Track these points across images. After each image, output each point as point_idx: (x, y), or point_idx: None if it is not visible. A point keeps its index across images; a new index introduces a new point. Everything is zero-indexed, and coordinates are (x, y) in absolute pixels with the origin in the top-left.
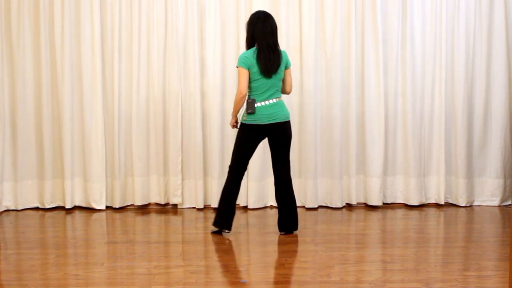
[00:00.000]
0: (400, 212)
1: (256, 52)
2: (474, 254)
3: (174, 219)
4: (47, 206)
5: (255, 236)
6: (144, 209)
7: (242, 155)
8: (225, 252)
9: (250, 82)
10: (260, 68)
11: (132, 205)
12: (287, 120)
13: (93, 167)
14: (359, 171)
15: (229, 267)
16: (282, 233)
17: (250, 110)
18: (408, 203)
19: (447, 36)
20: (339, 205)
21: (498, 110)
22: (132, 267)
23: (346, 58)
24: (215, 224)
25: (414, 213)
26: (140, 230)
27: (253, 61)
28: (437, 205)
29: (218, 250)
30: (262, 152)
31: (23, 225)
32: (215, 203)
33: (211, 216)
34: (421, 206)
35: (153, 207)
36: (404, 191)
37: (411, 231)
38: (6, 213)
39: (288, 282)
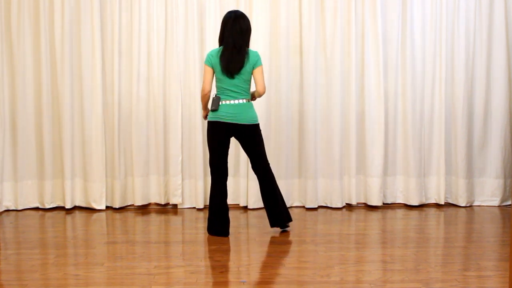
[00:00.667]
0: (400, 212)
1: (220, 51)
2: (474, 254)
3: (174, 219)
4: (47, 206)
5: (255, 236)
6: (144, 209)
7: (214, 154)
8: (225, 252)
9: (216, 81)
10: (221, 68)
11: (132, 205)
12: (253, 123)
13: (93, 167)
14: (359, 171)
15: (229, 267)
16: (276, 228)
17: (213, 107)
18: (408, 203)
19: (447, 36)
20: (339, 205)
21: (498, 110)
22: (132, 267)
23: (346, 58)
24: (208, 230)
25: (414, 213)
26: (140, 230)
27: (217, 60)
28: (437, 205)
29: (218, 250)
30: None
31: (23, 225)
32: None
33: None
34: (421, 206)
35: (153, 207)
36: (404, 191)
37: (411, 231)
38: (6, 213)
39: (288, 282)
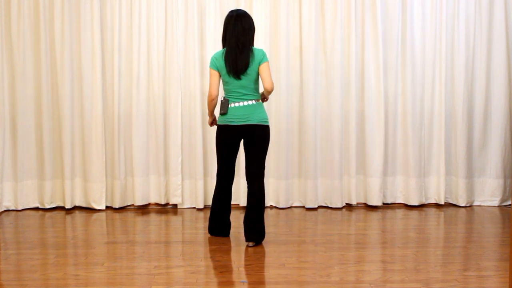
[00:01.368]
0: (400, 212)
1: (224, 53)
2: (474, 254)
3: (174, 219)
4: (47, 206)
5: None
6: (144, 209)
7: (222, 158)
8: (225, 252)
9: (223, 84)
10: (227, 69)
11: (132, 205)
12: (263, 124)
13: (93, 167)
14: (359, 171)
15: (229, 267)
16: (250, 244)
17: (223, 111)
18: (408, 203)
19: (447, 36)
20: (339, 205)
21: (498, 110)
22: (132, 267)
23: (346, 58)
24: (209, 231)
25: (414, 213)
26: (140, 230)
27: (222, 62)
28: (437, 205)
29: (218, 250)
30: None
31: (23, 225)
32: None
33: None
34: (421, 206)
35: (153, 207)
36: (404, 191)
37: (411, 231)
38: (6, 213)
39: (288, 282)
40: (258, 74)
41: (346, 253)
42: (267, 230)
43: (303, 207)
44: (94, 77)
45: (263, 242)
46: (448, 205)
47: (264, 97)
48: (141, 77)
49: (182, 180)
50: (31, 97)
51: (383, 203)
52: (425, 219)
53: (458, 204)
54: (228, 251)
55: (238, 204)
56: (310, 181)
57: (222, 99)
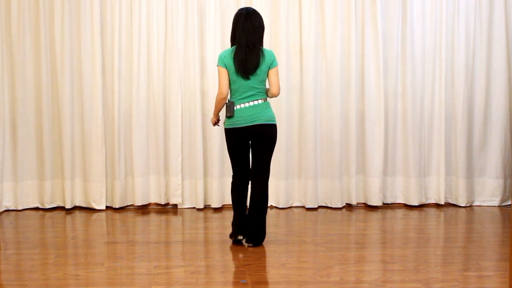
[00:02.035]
0: (400, 212)
1: (233, 51)
2: (474, 254)
3: (174, 219)
4: (47, 206)
5: None
6: (144, 209)
7: (236, 159)
8: (225, 252)
9: (230, 83)
10: (235, 68)
11: (132, 205)
12: (270, 123)
13: (93, 167)
14: (359, 171)
15: (229, 267)
16: (249, 245)
17: (229, 113)
18: (408, 203)
19: (447, 36)
20: (339, 205)
21: (498, 110)
22: (132, 267)
23: (346, 58)
24: (231, 237)
25: (414, 213)
26: (140, 230)
27: (230, 61)
28: (437, 205)
29: (218, 250)
30: None
31: (23, 225)
32: (215, 203)
33: (211, 216)
34: (421, 206)
35: (153, 207)
36: (404, 191)
37: (411, 231)
38: (6, 213)
39: (288, 282)
40: (266, 75)
41: (346, 253)
42: (267, 230)
43: (303, 207)
44: (94, 77)
45: (263, 242)
46: (448, 205)
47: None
48: (141, 77)
49: (182, 180)
50: (31, 97)
51: (383, 203)
52: (425, 219)
53: (458, 204)
54: (228, 251)
55: None
56: (310, 181)
57: (227, 101)
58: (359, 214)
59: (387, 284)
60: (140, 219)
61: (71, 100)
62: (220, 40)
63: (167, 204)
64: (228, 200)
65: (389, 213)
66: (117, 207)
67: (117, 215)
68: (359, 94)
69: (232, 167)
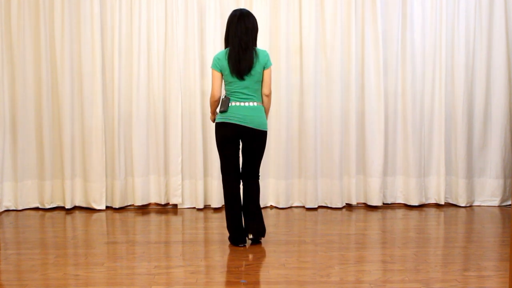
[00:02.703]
0: (400, 212)
1: (227, 53)
2: (474, 254)
3: (174, 219)
4: (47, 206)
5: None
6: (144, 209)
7: (225, 157)
8: (225, 252)
9: (225, 84)
10: (230, 69)
11: (132, 205)
12: (262, 129)
13: (93, 167)
14: (359, 171)
15: (229, 267)
16: (250, 236)
17: (223, 108)
18: (408, 203)
19: (447, 36)
20: (339, 205)
21: (498, 110)
22: (132, 267)
23: (346, 58)
24: (230, 239)
25: (414, 213)
26: (140, 230)
27: (224, 62)
28: (437, 205)
29: (218, 250)
30: None
31: (23, 225)
32: (215, 203)
33: (211, 216)
34: (421, 206)
35: (153, 207)
36: (404, 191)
37: (411, 231)
38: (6, 213)
39: (288, 282)
40: (261, 76)
41: (346, 253)
42: (267, 230)
43: (303, 207)
44: (94, 77)
45: (263, 242)
46: (448, 205)
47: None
48: (141, 77)
49: (182, 180)
50: (31, 97)
51: (383, 203)
52: (425, 219)
53: (458, 204)
54: (228, 251)
55: None
56: (310, 181)
57: (223, 97)
58: (359, 214)
59: (387, 284)
60: (140, 219)
61: (71, 100)
62: (220, 40)
63: (167, 204)
64: None
65: (389, 213)
66: (117, 207)
67: (117, 215)
68: (359, 94)
69: (221, 165)
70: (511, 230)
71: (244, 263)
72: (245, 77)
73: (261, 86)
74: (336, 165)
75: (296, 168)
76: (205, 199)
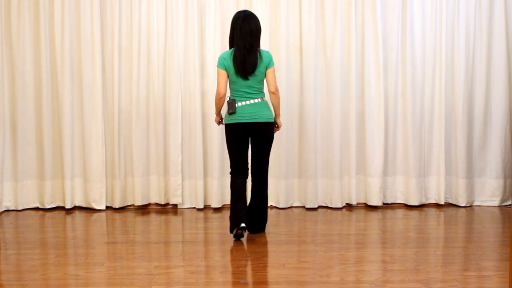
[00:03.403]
0: (400, 212)
1: (232, 53)
2: (474, 255)
3: (174, 219)
4: (47, 206)
5: (255, 236)
6: (144, 209)
7: (234, 156)
8: (225, 252)
9: (230, 83)
10: (235, 69)
11: (132, 205)
12: (269, 121)
13: (93, 167)
14: (359, 171)
15: (229, 267)
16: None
17: (231, 110)
18: (408, 203)
19: (447, 36)
20: (339, 205)
21: (498, 110)
22: (132, 267)
23: (346, 58)
24: (230, 228)
25: (414, 213)
26: (140, 230)
27: (230, 62)
28: (437, 205)
29: (218, 250)
30: None
31: (23, 225)
32: (215, 203)
33: (211, 216)
34: (421, 206)
35: (153, 207)
36: (404, 191)
37: (411, 231)
38: (6, 213)
39: (288, 282)
40: (264, 75)
41: (346, 253)
42: (267, 230)
43: (303, 207)
44: (94, 77)
45: (263, 242)
46: (448, 205)
47: (277, 126)
48: (141, 77)
49: (182, 180)
50: (31, 97)
51: (383, 203)
52: (425, 219)
53: (458, 204)
54: (228, 251)
55: None
56: (310, 181)
57: (229, 99)
58: (359, 214)
59: (387, 284)
60: (140, 219)
61: (71, 100)
62: (220, 40)
63: (167, 204)
64: (228, 200)
65: (389, 213)
66: (117, 207)
67: (117, 215)
68: (359, 94)
69: (231, 164)
70: (511, 230)
71: (244, 263)
72: (249, 77)
73: (263, 84)
74: (336, 165)
75: (296, 168)
76: (205, 199)
